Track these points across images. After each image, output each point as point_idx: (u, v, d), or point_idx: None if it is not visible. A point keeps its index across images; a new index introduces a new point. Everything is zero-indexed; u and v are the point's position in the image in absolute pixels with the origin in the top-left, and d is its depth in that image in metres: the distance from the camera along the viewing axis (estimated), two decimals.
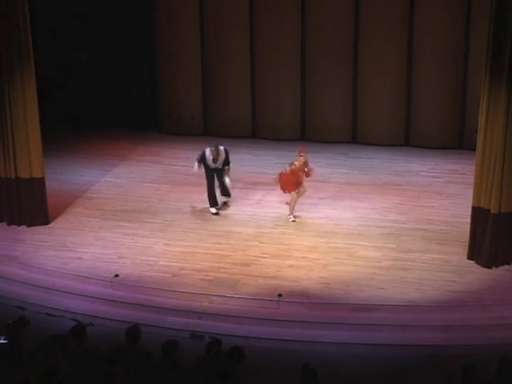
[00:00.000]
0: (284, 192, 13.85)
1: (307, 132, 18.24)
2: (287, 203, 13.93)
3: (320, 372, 7.50)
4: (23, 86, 13.11)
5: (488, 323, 10.80)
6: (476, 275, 11.86)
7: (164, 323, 11.02)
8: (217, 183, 14.28)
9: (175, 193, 15.25)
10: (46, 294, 11.85)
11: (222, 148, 14.10)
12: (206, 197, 14.58)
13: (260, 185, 15.28)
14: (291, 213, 13.82)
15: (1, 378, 7.60)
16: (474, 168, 12.14)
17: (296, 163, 13.61)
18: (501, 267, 12.05)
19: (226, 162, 14.10)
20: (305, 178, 13.80)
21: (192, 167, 14.25)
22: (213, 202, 14.20)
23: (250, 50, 18.04)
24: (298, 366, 7.54)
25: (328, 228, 13.54)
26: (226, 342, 8.41)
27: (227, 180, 14.15)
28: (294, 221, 13.78)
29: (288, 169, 13.66)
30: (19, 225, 13.73)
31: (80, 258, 12.58)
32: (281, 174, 13.79)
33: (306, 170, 13.70)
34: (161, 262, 12.41)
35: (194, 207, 14.48)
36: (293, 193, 13.73)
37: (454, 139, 17.46)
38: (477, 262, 12.15)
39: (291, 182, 13.68)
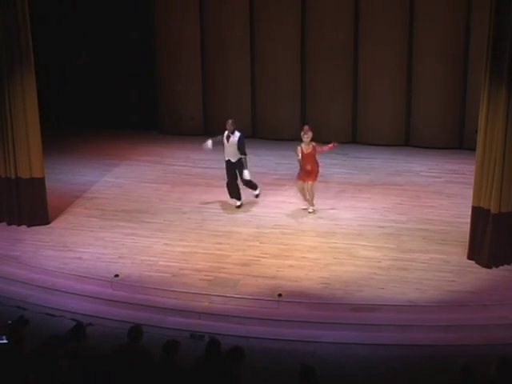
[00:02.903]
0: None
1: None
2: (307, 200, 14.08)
3: (320, 372, 7.50)
4: (23, 86, 13.10)
5: (488, 323, 10.79)
6: (476, 275, 11.85)
7: (164, 323, 11.01)
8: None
9: (175, 193, 15.25)
10: (46, 294, 11.84)
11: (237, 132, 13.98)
12: (206, 196, 14.65)
13: (260, 185, 15.27)
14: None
15: (1, 377, 7.60)
16: (474, 168, 12.13)
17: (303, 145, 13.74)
18: (501, 267, 12.04)
19: (240, 149, 13.95)
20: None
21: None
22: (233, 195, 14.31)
23: (249, 50, 18.06)
24: (297, 366, 7.53)
25: (328, 228, 13.54)
26: (226, 342, 8.40)
27: (245, 173, 14.01)
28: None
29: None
30: (19, 225, 13.73)
31: (80, 258, 12.57)
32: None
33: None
34: (161, 262, 12.41)
35: (194, 207, 14.48)
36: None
37: (454, 139, 17.46)
38: (477, 262, 12.14)
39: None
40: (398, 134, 17.79)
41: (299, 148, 13.70)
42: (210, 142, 14.15)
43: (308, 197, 14.02)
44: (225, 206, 14.42)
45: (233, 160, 14.00)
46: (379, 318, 10.92)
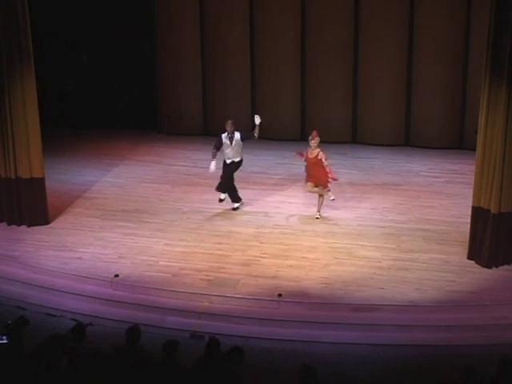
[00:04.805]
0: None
1: (307, 132, 18.20)
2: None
3: (320, 372, 7.49)
4: (23, 86, 13.10)
5: (488, 323, 10.79)
6: (476, 275, 11.86)
7: (164, 323, 11.01)
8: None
9: (175, 193, 15.26)
10: (46, 294, 11.84)
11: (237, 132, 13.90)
12: (206, 196, 14.63)
13: (260, 185, 15.30)
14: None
15: (1, 377, 7.60)
16: (473, 168, 12.14)
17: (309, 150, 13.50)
18: (501, 267, 12.04)
19: (246, 137, 13.90)
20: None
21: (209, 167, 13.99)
22: (221, 188, 14.12)
23: (249, 50, 18.06)
24: (297, 366, 7.53)
25: (328, 228, 13.54)
26: (226, 342, 8.40)
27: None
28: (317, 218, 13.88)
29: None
30: (19, 225, 13.73)
31: (80, 258, 12.58)
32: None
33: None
34: (161, 262, 12.41)
35: (194, 207, 14.48)
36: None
37: (454, 139, 17.47)
38: (477, 262, 12.14)
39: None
40: (397, 134, 17.79)
41: (304, 152, 13.59)
42: (213, 164, 13.88)
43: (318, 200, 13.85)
44: (225, 206, 14.41)
45: (236, 160, 13.98)
46: (379, 318, 10.91)
